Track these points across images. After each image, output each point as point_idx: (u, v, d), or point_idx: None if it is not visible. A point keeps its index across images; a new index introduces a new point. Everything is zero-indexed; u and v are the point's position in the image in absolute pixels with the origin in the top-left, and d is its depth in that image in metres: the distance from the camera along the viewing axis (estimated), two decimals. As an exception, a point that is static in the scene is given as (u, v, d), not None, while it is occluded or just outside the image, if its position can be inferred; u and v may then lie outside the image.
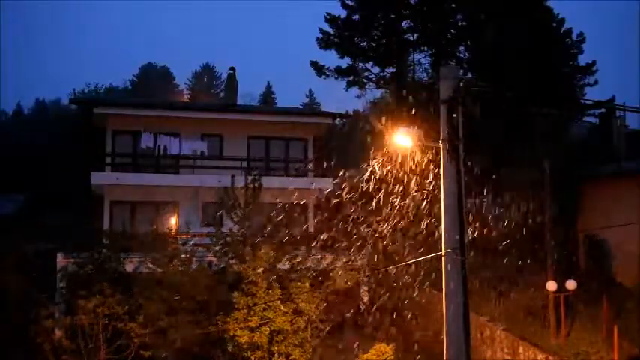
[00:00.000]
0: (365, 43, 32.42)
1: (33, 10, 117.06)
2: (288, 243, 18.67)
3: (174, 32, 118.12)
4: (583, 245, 24.63)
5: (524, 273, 20.66)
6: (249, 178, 20.03)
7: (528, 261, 20.38)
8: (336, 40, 32.41)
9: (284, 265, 17.81)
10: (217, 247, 18.52)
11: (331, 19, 32.39)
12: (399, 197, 16.45)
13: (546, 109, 15.85)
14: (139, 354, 15.98)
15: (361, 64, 32.75)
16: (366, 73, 33.08)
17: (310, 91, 67.48)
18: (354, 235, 20.04)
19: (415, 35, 32.58)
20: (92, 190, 22.30)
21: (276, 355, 15.96)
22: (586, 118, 30.63)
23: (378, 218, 19.31)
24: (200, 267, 18.23)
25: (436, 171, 8.53)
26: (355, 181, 18.18)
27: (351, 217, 19.86)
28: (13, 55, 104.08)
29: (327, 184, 23.25)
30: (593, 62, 30.93)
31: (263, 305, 15.95)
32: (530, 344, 17.63)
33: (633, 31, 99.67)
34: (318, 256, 19.40)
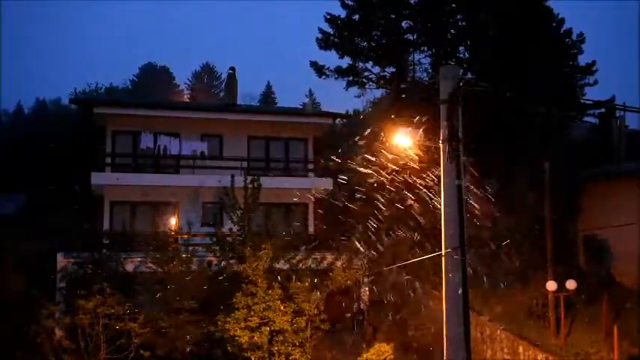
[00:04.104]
0: (365, 43, 32.38)
1: (33, 10, 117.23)
2: (288, 243, 18.70)
3: (175, 32, 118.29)
4: (583, 245, 24.62)
5: (524, 273, 20.67)
6: (249, 178, 20.04)
7: (528, 261, 20.42)
8: (336, 40, 32.38)
9: (284, 265, 17.83)
10: (217, 247, 18.54)
11: (331, 19, 32.36)
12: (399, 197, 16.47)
13: (546, 109, 15.84)
14: (139, 354, 15.98)
15: (361, 64, 32.73)
16: (366, 73, 33.05)
17: (310, 91, 67.53)
18: (354, 234, 20.07)
19: (415, 35, 32.55)
20: (92, 190, 22.29)
21: (276, 355, 15.97)
22: (586, 118, 30.61)
23: (378, 218, 19.36)
24: (200, 267, 18.24)
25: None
26: (355, 181, 18.23)
27: (351, 216, 19.90)
28: (13, 54, 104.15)
29: (327, 184, 23.27)
30: (593, 62, 30.93)
31: (263, 305, 15.95)
32: (530, 344, 17.63)
33: (633, 31, 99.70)
34: (318, 256, 19.42)
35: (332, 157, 23.11)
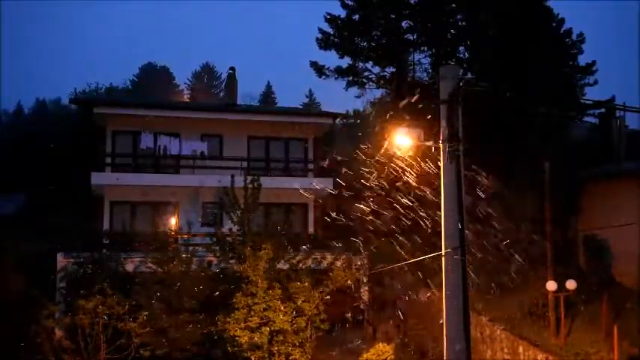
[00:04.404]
0: (365, 43, 32.39)
1: (33, 10, 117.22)
2: (288, 243, 18.70)
3: (175, 32, 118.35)
4: (583, 245, 24.61)
5: (524, 273, 20.65)
6: (249, 178, 20.05)
7: (528, 261, 20.40)
8: (336, 40, 32.37)
9: (284, 265, 17.84)
10: (217, 247, 18.55)
11: (331, 19, 32.36)
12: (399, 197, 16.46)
13: (546, 109, 15.83)
14: (139, 354, 15.98)
15: (361, 64, 32.73)
16: (366, 73, 33.06)
17: (310, 91, 67.61)
18: (355, 234, 20.07)
19: (415, 35, 32.56)
20: (92, 190, 22.30)
21: (276, 355, 15.96)
22: (586, 118, 30.59)
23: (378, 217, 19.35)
24: (200, 267, 18.25)
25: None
26: (355, 180, 18.21)
27: (351, 216, 19.89)
28: (13, 54, 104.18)
29: (327, 184, 23.28)
30: (593, 62, 30.90)
31: (263, 305, 15.94)
32: (530, 344, 17.62)
33: (633, 31, 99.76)
34: (318, 256, 19.42)
35: (332, 158, 23.12)
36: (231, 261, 18.03)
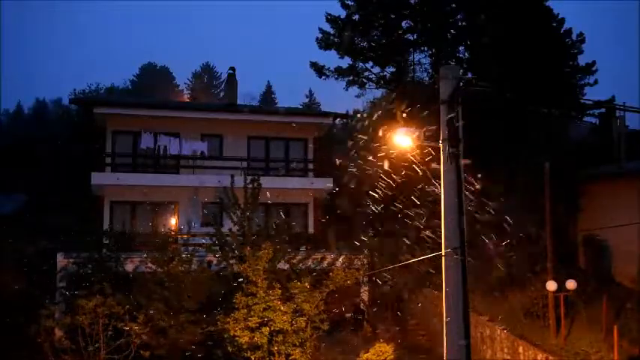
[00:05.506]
0: (365, 43, 32.45)
1: (34, 10, 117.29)
2: (288, 243, 18.70)
3: (175, 32, 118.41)
4: (583, 245, 24.60)
5: (524, 273, 20.65)
6: (249, 178, 20.05)
7: (528, 261, 20.40)
8: (336, 40, 32.44)
9: (284, 265, 17.81)
10: (217, 247, 18.53)
11: (331, 19, 32.42)
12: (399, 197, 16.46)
13: (546, 109, 15.84)
14: (139, 354, 15.98)
15: (361, 64, 32.78)
16: (366, 73, 33.12)
17: (310, 91, 67.68)
18: (355, 234, 20.07)
19: (415, 35, 32.60)
20: (92, 190, 22.30)
21: (276, 355, 15.96)
22: (586, 118, 30.61)
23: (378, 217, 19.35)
24: (200, 267, 18.25)
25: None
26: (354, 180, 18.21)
27: (351, 216, 19.90)
28: (14, 55, 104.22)
29: (327, 184, 23.28)
30: (593, 62, 30.89)
31: (263, 305, 15.95)
32: (530, 344, 17.61)
33: (633, 31, 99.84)
34: (318, 256, 19.43)
35: (332, 157, 23.10)
36: (231, 261, 18.03)
